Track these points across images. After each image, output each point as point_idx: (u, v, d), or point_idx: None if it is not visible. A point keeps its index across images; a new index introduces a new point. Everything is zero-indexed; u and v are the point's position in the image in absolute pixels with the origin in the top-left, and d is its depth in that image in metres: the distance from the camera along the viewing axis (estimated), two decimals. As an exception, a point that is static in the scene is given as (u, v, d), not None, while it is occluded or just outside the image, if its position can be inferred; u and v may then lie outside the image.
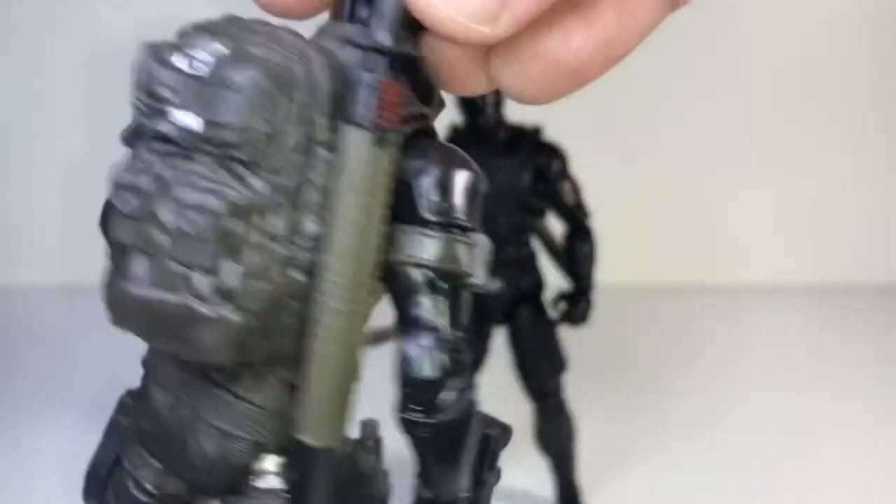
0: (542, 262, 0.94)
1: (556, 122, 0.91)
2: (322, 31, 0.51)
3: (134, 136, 0.48)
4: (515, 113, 0.89)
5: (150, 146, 0.47)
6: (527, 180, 0.89)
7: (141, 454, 0.53)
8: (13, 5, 1.61)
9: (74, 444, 1.11)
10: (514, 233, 0.90)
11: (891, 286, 1.72)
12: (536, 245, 0.93)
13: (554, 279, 0.93)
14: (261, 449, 0.51)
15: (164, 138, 0.46)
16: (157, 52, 0.46)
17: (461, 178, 0.51)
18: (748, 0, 1.69)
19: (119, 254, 0.47)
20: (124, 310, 0.47)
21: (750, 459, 1.10)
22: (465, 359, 0.47)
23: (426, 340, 0.52)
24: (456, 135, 0.89)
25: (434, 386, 0.49)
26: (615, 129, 1.62)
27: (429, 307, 0.52)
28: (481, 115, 0.87)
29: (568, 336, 0.93)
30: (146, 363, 0.53)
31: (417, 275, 0.51)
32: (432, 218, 0.53)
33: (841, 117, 1.74)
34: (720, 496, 1.03)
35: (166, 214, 0.45)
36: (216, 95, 0.45)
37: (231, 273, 0.46)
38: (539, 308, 0.92)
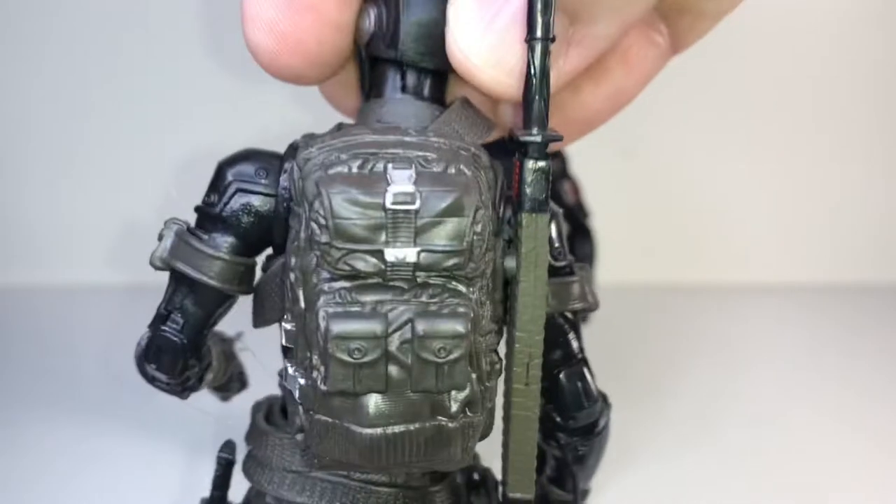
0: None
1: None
2: (383, 113, 0.54)
3: (309, 276, 0.47)
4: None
5: (343, 285, 0.46)
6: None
7: None
8: (10, 7, 1.61)
9: (74, 444, 1.11)
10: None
11: (891, 286, 1.72)
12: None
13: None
14: None
15: (358, 275, 0.46)
16: (340, 190, 0.46)
17: (555, 222, 0.57)
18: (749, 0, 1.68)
19: (339, 402, 0.47)
20: (352, 452, 0.48)
21: (750, 459, 1.10)
22: None
23: (581, 372, 0.60)
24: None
25: (594, 411, 0.59)
26: (615, 129, 1.62)
27: (574, 343, 0.59)
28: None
29: (568, 336, 0.93)
30: None
31: (561, 319, 0.58)
32: (558, 264, 0.58)
33: (842, 117, 1.74)
34: (720, 495, 1.03)
35: (406, 348, 0.46)
36: (431, 225, 0.46)
37: (474, 383, 0.47)
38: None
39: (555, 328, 0.56)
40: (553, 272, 0.52)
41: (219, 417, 0.77)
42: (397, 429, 0.47)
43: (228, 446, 0.63)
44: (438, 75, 0.55)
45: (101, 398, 1.21)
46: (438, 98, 0.56)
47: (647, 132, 1.67)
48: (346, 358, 0.45)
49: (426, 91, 0.55)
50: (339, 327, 0.45)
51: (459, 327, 0.46)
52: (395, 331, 0.46)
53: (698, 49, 1.77)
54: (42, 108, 1.65)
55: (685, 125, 1.69)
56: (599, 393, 0.61)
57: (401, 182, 0.45)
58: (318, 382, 0.47)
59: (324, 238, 0.45)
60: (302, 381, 0.49)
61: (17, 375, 1.30)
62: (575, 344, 0.58)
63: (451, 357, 0.46)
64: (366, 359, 0.45)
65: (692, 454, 1.11)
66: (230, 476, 0.63)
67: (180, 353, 0.56)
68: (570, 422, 0.60)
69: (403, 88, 0.55)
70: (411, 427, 0.47)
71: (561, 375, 0.57)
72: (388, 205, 0.45)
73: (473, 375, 0.47)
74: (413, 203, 0.45)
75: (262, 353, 0.71)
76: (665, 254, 1.69)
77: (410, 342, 0.46)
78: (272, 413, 0.62)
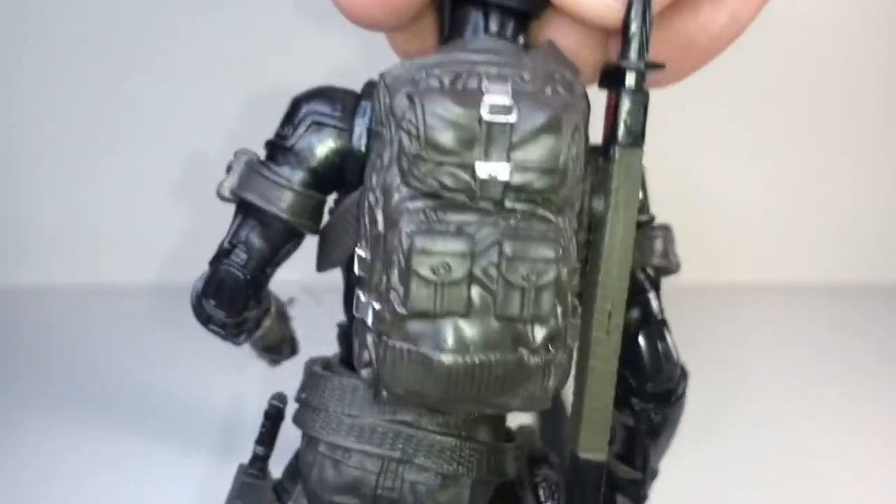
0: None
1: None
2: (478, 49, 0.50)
3: (391, 194, 0.45)
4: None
5: (426, 203, 0.44)
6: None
7: None
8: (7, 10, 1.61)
9: (75, 444, 1.11)
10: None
11: (891, 286, 1.72)
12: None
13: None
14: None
15: (444, 192, 0.44)
16: (434, 100, 0.43)
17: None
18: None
19: (418, 326, 0.44)
20: (427, 382, 0.45)
21: (751, 458, 1.10)
22: None
23: (661, 333, 0.57)
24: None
25: (673, 376, 0.57)
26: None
27: (654, 303, 0.56)
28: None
29: (568, 336, 0.93)
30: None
31: (642, 275, 0.56)
32: (642, 218, 0.55)
33: (842, 117, 1.74)
34: (720, 495, 1.03)
35: (492, 272, 0.43)
36: (526, 141, 0.43)
37: (559, 316, 0.45)
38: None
39: (635, 284, 0.53)
40: (636, 225, 0.50)
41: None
42: (477, 358, 0.44)
43: (279, 397, 0.60)
44: (522, 17, 0.53)
45: (102, 398, 1.21)
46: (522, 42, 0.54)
47: (649, 134, 1.67)
48: (429, 275, 0.43)
49: (509, 33, 0.52)
50: (423, 242, 0.43)
51: (549, 252, 0.43)
52: (482, 252, 0.43)
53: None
54: (42, 107, 1.65)
55: (685, 126, 1.69)
56: (679, 361, 0.58)
57: (498, 94, 0.43)
58: (396, 305, 0.44)
59: (413, 149, 0.43)
60: (377, 306, 0.46)
61: (18, 375, 1.30)
62: (655, 304, 0.56)
63: (540, 282, 0.43)
64: (450, 278, 0.43)
65: (692, 453, 1.11)
66: (277, 431, 0.60)
67: (242, 290, 0.54)
68: (647, 386, 0.57)
69: (486, 30, 0.52)
70: (492, 357, 0.44)
71: (640, 335, 0.55)
72: (485, 116, 0.42)
73: (559, 309, 0.45)
74: (510, 115, 0.43)
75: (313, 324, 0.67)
76: (665, 254, 1.69)
77: (497, 265, 0.43)
78: (329, 365, 0.59)
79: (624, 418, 0.60)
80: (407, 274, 0.44)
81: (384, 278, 0.46)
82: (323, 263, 0.55)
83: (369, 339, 0.47)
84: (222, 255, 0.55)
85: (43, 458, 1.08)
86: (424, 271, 0.43)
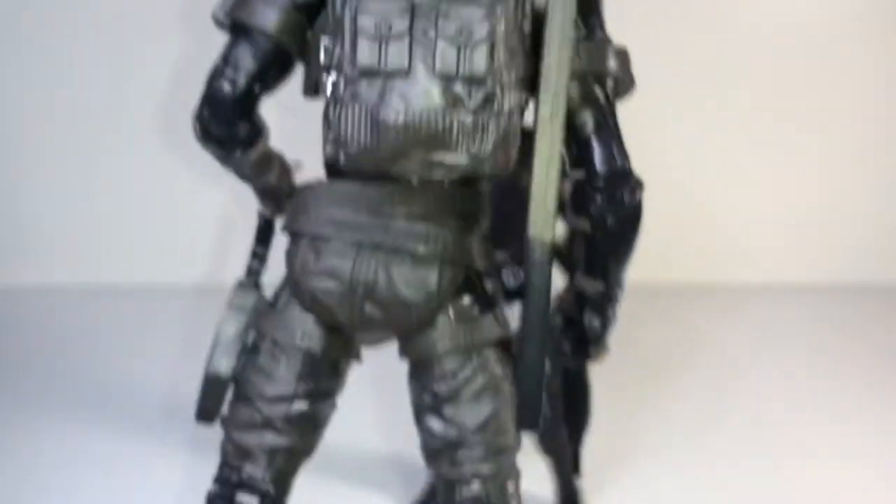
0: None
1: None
2: None
3: None
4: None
5: None
6: (528, 181, 0.88)
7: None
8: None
9: (74, 442, 1.11)
10: (517, 232, 0.90)
11: (891, 286, 1.72)
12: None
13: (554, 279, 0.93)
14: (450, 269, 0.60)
15: None
16: None
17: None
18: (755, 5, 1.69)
19: (366, 88, 0.53)
20: (376, 140, 0.54)
21: (750, 457, 1.10)
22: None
23: (611, 134, 0.60)
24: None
25: (624, 174, 0.61)
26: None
27: (607, 108, 0.60)
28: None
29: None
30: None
31: (596, 84, 0.59)
32: (599, 35, 0.59)
33: (842, 118, 1.74)
34: (719, 494, 1.03)
35: (430, 32, 0.53)
36: None
37: (495, 80, 0.53)
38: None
39: (587, 89, 0.58)
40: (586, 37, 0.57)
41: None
42: (418, 115, 0.52)
43: (264, 212, 0.68)
44: None
45: (102, 398, 1.21)
46: None
47: (647, 133, 1.67)
48: (371, 30, 0.52)
49: None
50: (366, 4, 0.53)
51: (479, 10, 0.52)
52: (421, 12, 0.52)
53: (699, 50, 1.78)
54: (41, 107, 1.65)
55: (686, 126, 1.69)
56: (630, 166, 0.63)
57: None
58: (347, 68, 0.53)
59: None
60: (334, 77, 0.54)
61: (18, 375, 1.30)
62: (608, 109, 0.60)
63: (473, 39, 0.52)
64: (391, 33, 0.52)
65: (692, 453, 1.11)
66: (269, 243, 0.68)
67: (230, 101, 0.59)
68: (600, 184, 0.61)
69: None
70: (432, 115, 0.53)
71: (592, 136, 0.60)
72: None
73: (494, 68, 0.53)
74: None
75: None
76: (666, 254, 1.69)
77: (434, 22, 0.52)
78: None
79: (583, 224, 0.64)
80: (354, 34, 0.53)
81: (339, 50, 0.54)
82: (307, 87, 0.60)
83: (330, 111, 0.55)
84: (216, 73, 0.60)
85: (42, 456, 1.08)
86: (368, 25, 0.52)
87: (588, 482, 0.98)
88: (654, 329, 1.50)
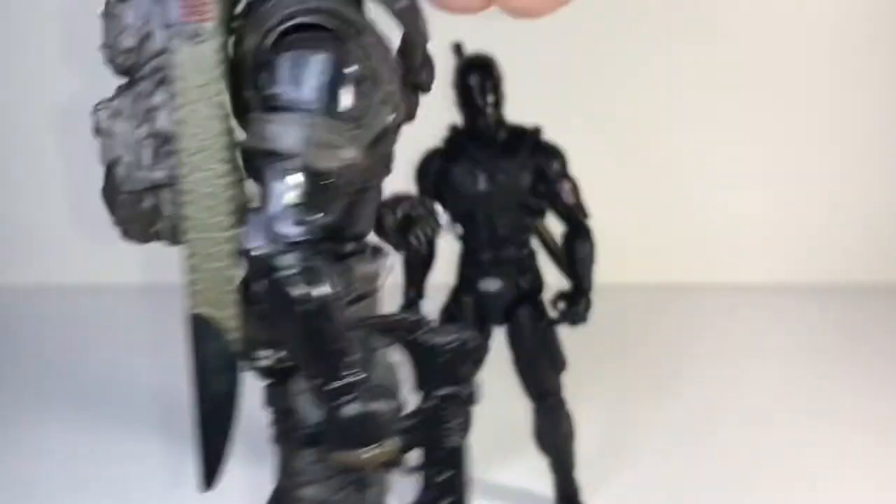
0: (542, 262, 0.94)
1: (555, 122, 0.91)
2: None
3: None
4: (515, 114, 0.90)
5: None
6: (527, 181, 0.89)
7: None
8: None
9: (74, 441, 1.11)
10: (514, 233, 0.90)
11: (891, 286, 1.72)
12: (536, 245, 0.93)
13: (554, 279, 0.93)
14: None
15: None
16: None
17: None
18: (749, 1, 1.69)
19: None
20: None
21: (749, 458, 1.10)
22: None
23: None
24: (456, 135, 0.90)
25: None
26: (615, 129, 1.62)
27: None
28: (481, 115, 0.87)
29: (567, 336, 0.93)
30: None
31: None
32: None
33: (841, 117, 1.75)
34: (719, 494, 1.03)
35: None
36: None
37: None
38: (539, 308, 0.92)
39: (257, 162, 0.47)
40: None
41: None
42: None
43: None
44: None
45: (101, 398, 1.22)
46: None
47: (647, 133, 1.67)
48: None
49: None
50: None
51: None
52: None
53: (698, 50, 1.77)
54: (42, 108, 1.65)
55: (686, 126, 1.70)
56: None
57: None
58: None
59: None
60: None
61: (18, 375, 1.30)
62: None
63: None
64: None
65: (692, 453, 1.12)
66: None
67: None
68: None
69: None
70: None
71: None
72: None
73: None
74: None
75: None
76: (665, 254, 1.69)
77: None
78: None
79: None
80: None
81: None
82: None
83: None
84: None
85: (42, 455, 1.08)
86: None
87: (587, 481, 0.98)
88: (652, 328, 1.50)
